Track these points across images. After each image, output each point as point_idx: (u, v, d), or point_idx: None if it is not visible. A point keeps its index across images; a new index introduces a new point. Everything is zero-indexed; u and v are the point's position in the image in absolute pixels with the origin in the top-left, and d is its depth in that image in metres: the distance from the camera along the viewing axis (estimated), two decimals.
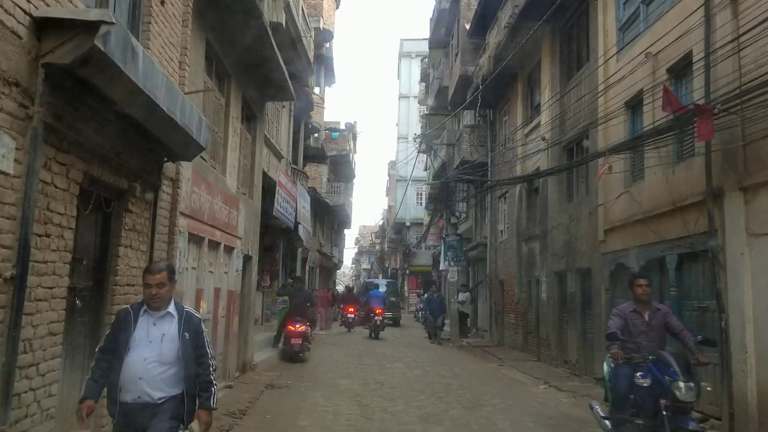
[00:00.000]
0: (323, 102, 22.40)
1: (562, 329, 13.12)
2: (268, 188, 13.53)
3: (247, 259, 10.87)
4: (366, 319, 22.00)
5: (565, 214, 12.96)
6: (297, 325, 13.05)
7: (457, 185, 20.61)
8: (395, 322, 27.14)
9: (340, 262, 44.69)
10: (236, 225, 9.73)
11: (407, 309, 45.48)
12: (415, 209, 46.65)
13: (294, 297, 13.50)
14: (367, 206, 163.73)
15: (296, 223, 16.97)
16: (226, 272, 9.43)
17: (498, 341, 18.65)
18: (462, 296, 20.91)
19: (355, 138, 43.57)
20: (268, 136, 13.01)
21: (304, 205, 16.93)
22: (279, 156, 14.33)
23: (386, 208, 66.50)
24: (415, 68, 47.03)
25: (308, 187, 29.77)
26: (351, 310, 24.26)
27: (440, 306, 20.41)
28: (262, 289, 14.58)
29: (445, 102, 23.76)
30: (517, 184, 15.22)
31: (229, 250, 9.55)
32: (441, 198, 20.63)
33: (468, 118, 22.27)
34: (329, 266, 37.54)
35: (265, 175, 12.67)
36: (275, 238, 15.18)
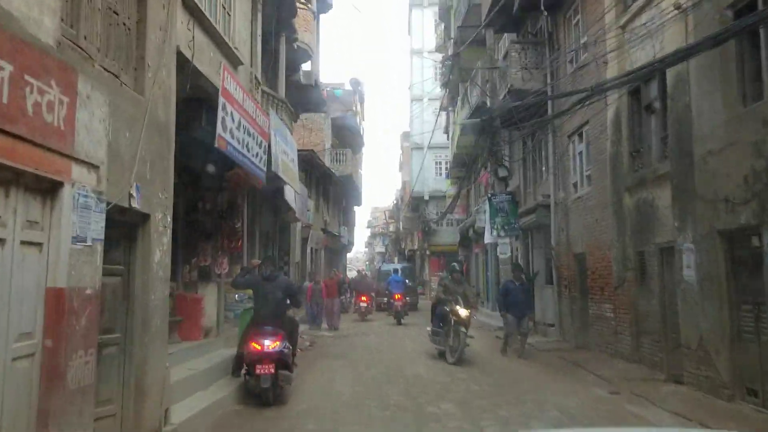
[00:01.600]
0: (314, 20, 16.60)
1: (740, 335, 7.33)
2: (209, 105, 7.79)
3: (139, 219, 5.19)
4: (387, 306, 21.67)
5: (739, 125, 7.13)
6: (267, 341, 7.35)
7: (500, 133, 14.72)
8: (412, 306, 25.28)
9: (351, 243, 39.11)
10: (72, 130, 4.04)
11: (429, 294, 39.82)
12: (435, 181, 40.79)
13: (262, 291, 7.79)
14: (380, 186, 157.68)
15: (275, 179, 11.28)
16: (37, 245, 3.80)
17: (578, 343, 12.90)
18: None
19: (362, 100, 37.71)
20: (202, 10, 7.25)
21: (287, 152, 11.22)
22: (232, 58, 8.55)
23: (400, 186, 60.69)
24: (428, 19, 40.95)
25: (304, 149, 24.07)
26: (364, 299, 22.61)
27: (526, 299, 12.57)
28: (216, 279, 8.97)
29: (477, 21, 17.79)
30: (626, 86, 9.36)
31: (47, 189, 3.90)
32: (482, 143, 14.81)
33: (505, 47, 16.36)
34: (337, 248, 31.94)
35: (196, 73, 6.92)
36: (234, 197, 9.51)
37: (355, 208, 44.61)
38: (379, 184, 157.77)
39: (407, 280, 25.13)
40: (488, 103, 17.42)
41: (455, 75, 19.98)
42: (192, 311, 8.58)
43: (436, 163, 41.16)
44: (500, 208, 14.02)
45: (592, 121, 11.87)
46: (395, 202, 58.32)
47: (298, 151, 24.49)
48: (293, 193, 15.08)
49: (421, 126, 40.81)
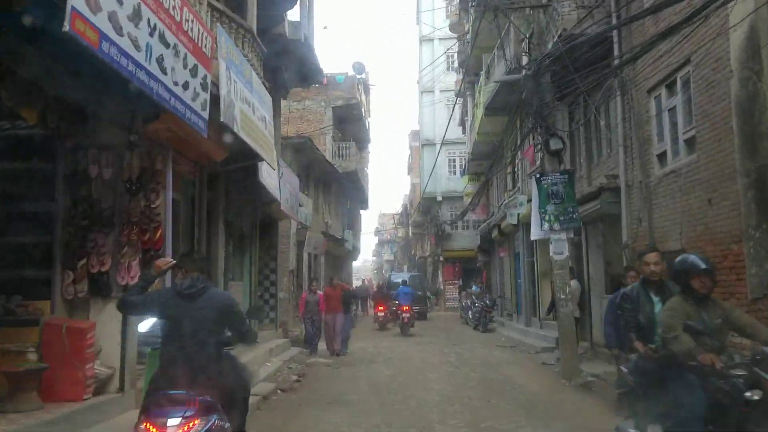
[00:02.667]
0: None
1: None
2: None
3: None
4: (395, 317, 21.59)
5: None
6: (172, 421, 3.66)
7: (550, 90, 10.93)
8: (421, 316, 25.31)
9: (356, 250, 35.40)
10: None
11: (443, 305, 36.08)
12: (449, 180, 37.04)
13: (175, 318, 4.14)
14: (388, 191, 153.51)
15: (244, 152, 7.69)
16: None
17: None
18: (574, 285, 11.47)
19: (367, 91, 34.07)
20: None
21: (251, 103, 7.56)
22: None
23: (409, 190, 57.00)
24: (439, 2, 37.34)
25: (299, 136, 20.47)
26: (381, 308, 22.97)
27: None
28: (119, 295, 5.23)
29: None
30: None
31: None
32: (524, 110, 10.99)
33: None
34: (341, 254, 28.20)
35: None
36: (153, 160, 5.79)
37: (362, 212, 40.93)
38: (387, 189, 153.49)
39: (417, 291, 24.88)
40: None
41: (479, 36, 16.28)
42: (71, 351, 4.93)
43: (450, 160, 37.45)
44: (553, 193, 10.31)
45: (699, 57, 8.14)
46: (404, 205, 54.57)
47: (292, 137, 20.96)
48: (275, 177, 11.42)
49: (432, 120, 37.25)
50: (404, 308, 19.97)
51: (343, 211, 31.26)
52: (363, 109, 31.33)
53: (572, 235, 10.68)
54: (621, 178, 10.67)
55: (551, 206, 10.40)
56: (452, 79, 36.95)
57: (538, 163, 11.32)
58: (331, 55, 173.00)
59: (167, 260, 4.36)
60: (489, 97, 17.53)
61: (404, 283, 24.94)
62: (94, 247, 5.39)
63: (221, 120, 6.26)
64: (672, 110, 9.23)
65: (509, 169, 20.32)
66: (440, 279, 36.78)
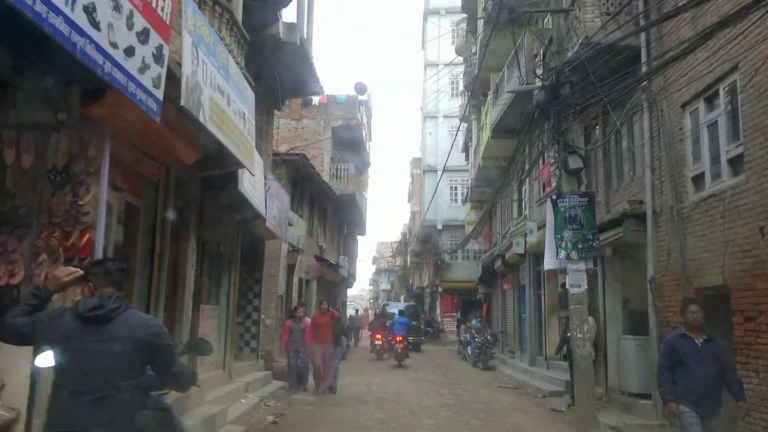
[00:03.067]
0: None
1: None
2: None
3: None
4: (389, 347, 21.51)
5: None
6: None
7: (568, 105, 9.80)
8: (415, 347, 25.10)
9: (352, 277, 34.06)
10: None
11: (441, 338, 34.61)
12: (450, 208, 35.93)
13: (76, 350, 2.93)
14: (387, 219, 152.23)
15: (221, 155, 6.56)
16: None
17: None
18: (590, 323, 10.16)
19: (369, 114, 33.14)
20: None
21: (226, 93, 6.41)
22: None
23: (409, 218, 55.91)
24: (445, 28, 36.72)
25: (294, 153, 19.37)
26: (379, 337, 22.91)
27: (714, 376, 5.46)
28: None
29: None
30: None
31: None
32: (542, 113, 9.80)
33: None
34: (334, 280, 26.85)
35: None
36: (84, 145, 4.63)
37: (359, 238, 39.69)
38: (387, 217, 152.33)
39: (412, 321, 24.98)
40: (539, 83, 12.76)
41: (488, 53, 15.29)
42: None
43: (452, 188, 36.40)
44: (571, 217, 9.11)
45: (750, 62, 7.02)
46: (403, 233, 53.38)
47: (285, 154, 19.85)
48: (261, 189, 10.25)
49: (434, 146, 36.31)
50: (398, 339, 20.24)
51: (339, 235, 30.03)
52: (364, 132, 30.35)
53: (591, 266, 9.44)
54: (647, 204, 9.49)
55: (568, 232, 9.18)
56: (456, 105, 36.11)
57: (554, 183, 10.12)
58: (334, 78, 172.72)
59: (68, 270, 3.13)
60: (497, 117, 16.48)
61: (400, 313, 25.46)
62: (2, 253, 4.17)
63: (182, 104, 5.08)
64: (712, 126, 8.09)
65: (515, 196, 19.17)
66: (438, 310, 35.40)
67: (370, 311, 53.36)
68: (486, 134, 19.01)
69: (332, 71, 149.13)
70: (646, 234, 9.53)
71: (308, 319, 12.99)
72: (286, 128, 25.61)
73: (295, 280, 18.83)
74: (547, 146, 10.36)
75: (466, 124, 28.45)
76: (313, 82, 13.10)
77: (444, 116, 36.48)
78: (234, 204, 9.60)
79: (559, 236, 9.27)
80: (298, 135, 25.66)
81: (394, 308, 28.69)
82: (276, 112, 26.35)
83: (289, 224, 14.68)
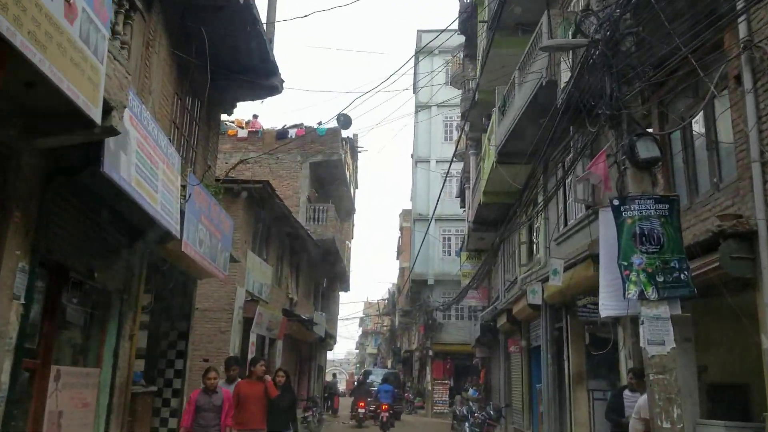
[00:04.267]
0: None
1: None
2: None
3: None
4: (374, 415, 21.61)
5: None
6: None
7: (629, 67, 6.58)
8: (396, 416, 23.45)
9: (331, 338, 30.09)
10: None
11: (430, 407, 30.44)
12: (441, 261, 32.44)
13: None
14: (374, 277, 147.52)
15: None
16: None
17: None
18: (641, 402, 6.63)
19: (354, 155, 30.11)
20: None
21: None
22: None
23: (397, 275, 52.24)
24: (436, 120, 34.39)
25: (255, 180, 16.08)
26: (361, 404, 22.55)
27: None
28: None
29: None
30: None
31: None
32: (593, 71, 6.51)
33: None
34: (307, 340, 22.92)
35: None
36: None
37: (343, 296, 35.93)
38: (374, 275, 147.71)
39: (395, 389, 24.33)
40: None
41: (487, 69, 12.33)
42: None
43: (444, 239, 33.02)
44: (645, 234, 5.75)
45: None
46: (391, 291, 49.57)
47: (243, 181, 16.53)
48: (173, 192, 6.80)
49: (426, 193, 33.13)
50: (384, 407, 20.02)
51: (317, 290, 26.35)
52: (348, 172, 27.18)
53: (678, 311, 5.94)
54: (759, 217, 6.11)
55: (641, 257, 5.76)
56: (449, 150, 33.30)
57: (614, 185, 6.70)
58: (316, 115, 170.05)
59: None
60: (504, 135, 13.33)
61: (385, 381, 25.52)
62: None
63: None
64: None
65: (524, 238, 15.79)
66: (428, 377, 31.33)
67: (356, 376, 49.11)
68: (489, 162, 15.78)
69: (315, 110, 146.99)
70: (757, 262, 6.11)
71: (227, 388, 8.20)
72: (257, 164, 22.40)
73: (253, 338, 15.12)
74: (597, 132, 6.98)
75: (462, 165, 25.38)
76: (268, 66, 9.86)
77: (437, 161, 33.52)
78: (106, 202, 6.14)
79: (625, 263, 5.83)
80: (270, 170, 22.43)
81: (376, 375, 28.87)
82: (245, 143, 23.07)
83: (235, 260, 11.12)
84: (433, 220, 32.43)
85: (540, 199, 13.33)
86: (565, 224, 12.38)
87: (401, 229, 50.09)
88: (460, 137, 22.82)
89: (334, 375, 54.44)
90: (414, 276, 32.54)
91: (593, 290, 9.51)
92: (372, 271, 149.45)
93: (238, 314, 15.02)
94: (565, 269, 10.32)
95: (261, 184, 15.09)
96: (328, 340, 29.08)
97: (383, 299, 48.43)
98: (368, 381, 27.16)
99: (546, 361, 13.15)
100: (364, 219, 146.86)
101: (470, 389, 24.41)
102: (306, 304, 22.99)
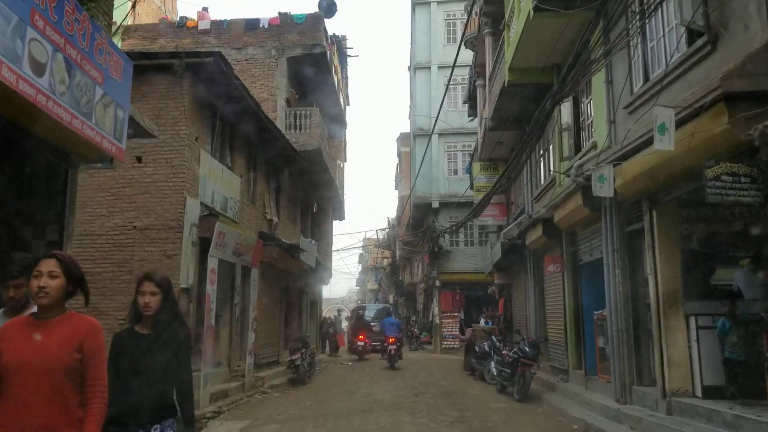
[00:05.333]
0: None
1: None
2: None
3: None
4: (377, 349, 21.81)
5: None
6: None
7: None
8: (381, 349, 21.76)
9: (325, 270, 26.48)
10: None
11: (439, 343, 27.26)
12: (447, 181, 28.62)
13: None
14: (371, 212, 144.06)
15: None
16: None
17: None
18: None
19: (343, 59, 25.76)
20: None
21: None
22: None
23: (396, 206, 48.51)
24: (437, 19, 29.46)
25: (205, 53, 12.05)
26: (361, 337, 22.70)
27: None
28: None
29: None
30: None
31: None
32: None
33: None
34: (294, 271, 19.22)
35: None
36: None
37: (340, 239, 32.24)
38: (372, 210, 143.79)
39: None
40: None
41: None
42: None
43: (450, 155, 29.08)
44: None
45: None
46: (391, 222, 46.01)
47: (185, 54, 12.32)
48: None
49: (427, 104, 28.90)
50: (390, 340, 19.45)
51: (305, 214, 22.60)
52: (336, 78, 22.93)
53: None
54: None
55: None
56: (452, 53, 28.92)
57: None
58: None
59: None
60: None
61: (389, 314, 25.74)
62: None
63: None
64: None
65: (565, 122, 11.86)
66: (435, 310, 28.00)
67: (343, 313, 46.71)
68: (520, 21, 11.70)
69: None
70: None
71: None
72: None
73: (214, 264, 11.42)
74: None
75: (467, 73, 21.18)
76: None
77: (438, 67, 29.20)
78: None
79: None
80: (243, 69, 18.26)
81: (370, 311, 29.08)
82: (207, 36, 18.82)
83: (146, 134, 7.20)
84: (435, 135, 28.51)
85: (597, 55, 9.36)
86: (646, 79, 8.46)
87: (400, 154, 45.99)
88: (471, 10, 18.55)
89: (339, 311, 51.51)
90: (416, 199, 28.81)
91: (726, 153, 5.76)
92: (370, 205, 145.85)
93: (190, 233, 11.30)
94: (685, 118, 6.48)
95: (211, 56, 11.04)
96: (321, 273, 25.54)
97: (383, 229, 44.78)
98: (363, 316, 26.37)
99: (612, 279, 9.48)
100: (358, 148, 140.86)
101: (483, 320, 21.04)
102: (291, 229, 19.28)
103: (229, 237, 12.07)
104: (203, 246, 11.56)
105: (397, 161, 48.12)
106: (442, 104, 19.02)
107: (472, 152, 25.89)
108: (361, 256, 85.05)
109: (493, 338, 15.88)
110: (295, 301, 20.48)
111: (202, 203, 11.79)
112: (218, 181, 12.80)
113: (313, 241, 21.71)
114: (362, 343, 22.43)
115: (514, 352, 12.70)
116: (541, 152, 14.72)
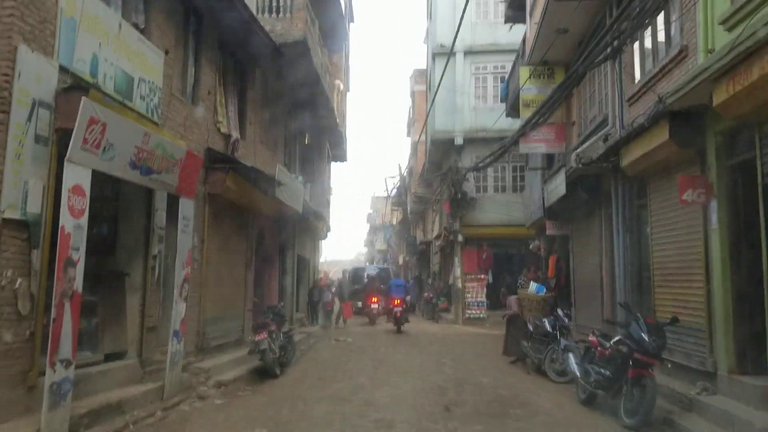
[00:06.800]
0: None
1: None
2: None
3: None
4: (387, 311, 20.13)
5: None
6: None
7: None
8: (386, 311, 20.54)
9: (318, 218, 21.08)
10: None
11: (461, 312, 22.00)
12: (473, 112, 22.93)
13: None
14: (379, 165, 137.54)
15: None
16: None
17: None
18: None
19: None
20: None
21: None
22: None
23: (409, 156, 42.87)
24: None
25: None
26: (375, 300, 21.54)
27: None
28: None
29: None
30: None
31: None
32: None
33: None
34: (261, 209, 13.55)
35: None
36: None
37: (333, 164, 26.78)
38: (381, 163, 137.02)
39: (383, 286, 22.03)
40: None
41: None
42: None
43: (478, 79, 23.34)
44: None
45: None
46: (402, 173, 40.50)
47: None
48: None
49: (451, 16, 22.92)
50: (396, 302, 18.79)
51: (291, 143, 17.16)
52: None
53: None
54: None
55: None
56: None
57: None
58: None
59: None
60: None
61: (396, 275, 26.98)
62: None
63: None
64: None
65: None
66: (457, 272, 22.66)
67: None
68: None
69: None
70: None
71: None
72: None
73: (76, 179, 6.06)
74: None
75: None
76: None
77: None
78: None
79: None
80: None
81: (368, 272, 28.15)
82: None
83: None
84: (460, 54, 22.83)
85: None
86: None
87: (413, 94, 40.21)
88: None
89: (344, 273, 41.77)
90: (435, 134, 23.30)
91: None
92: (378, 156, 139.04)
93: (32, 118, 5.95)
94: None
95: None
96: (315, 223, 20.23)
97: (392, 177, 39.02)
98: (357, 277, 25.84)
99: None
100: (365, 92, 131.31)
101: (531, 284, 15.75)
102: (265, 155, 13.89)
103: (119, 133, 6.67)
104: (62, 142, 6.21)
105: (410, 103, 42.38)
106: (466, 5, 13.30)
107: (506, 75, 20.28)
108: (369, 215, 79.93)
109: (559, 312, 10.61)
110: (273, 256, 15.20)
111: (63, 68, 6.41)
112: (115, 46, 7.39)
113: (300, 177, 16.29)
114: (376, 306, 21.41)
115: (618, 343, 7.40)
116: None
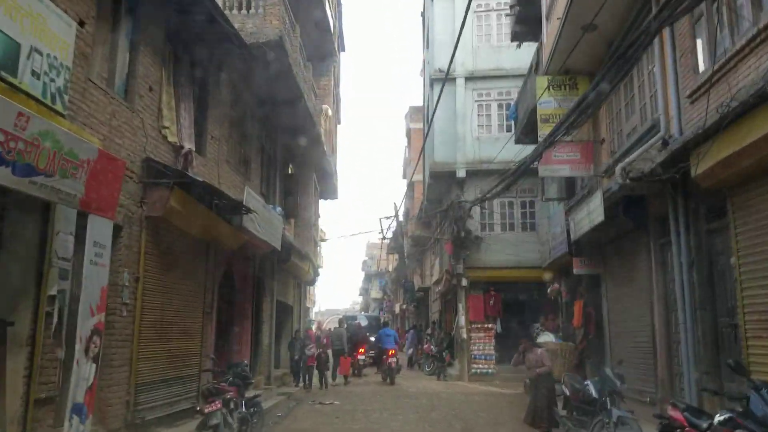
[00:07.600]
0: None
1: None
2: None
3: None
4: (378, 362, 19.53)
5: None
6: None
7: None
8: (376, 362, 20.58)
9: (303, 259, 18.57)
10: None
11: (466, 366, 19.10)
12: (476, 142, 20.71)
13: None
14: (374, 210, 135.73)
15: None
16: None
17: None
18: None
19: None
20: None
21: None
22: None
23: (403, 196, 40.59)
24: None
25: None
26: (362, 351, 20.32)
27: None
28: None
29: None
30: None
31: None
32: None
33: None
34: (226, 243, 11.04)
35: None
36: None
37: (326, 201, 24.43)
38: (375, 209, 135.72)
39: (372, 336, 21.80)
40: None
41: None
42: None
43: (481, 106, 21.22)
44: None
45: None
46: (397, 210, 38.09)
47: None
48: None
49: (450, 38, 21.00)
50: (390, 352, 17.80)
51: (268, 170, 14.84)
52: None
53: None
54: None
55: None
56: None
57: None
58: None
59: None
60: None
61: (385, 325, 23.95)
62: None
63: None
64: None
65: None
66: (461, 320, 20.01)
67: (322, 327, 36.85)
68: None
69: None
70: None
71: None
72: None
73: None
74: None
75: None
76: None
77: None
78: None
79: None
80: None
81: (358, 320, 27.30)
82: None
83: None
84: (461, 79, 20.86)
85: None
86: None
87: (409, 132, 38.26)
88: None
89: (341, 322, 38.37)
90: (435, 166, 21.07)
91: None
92: (372, 200, 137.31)
93: None
94: None
95: None
96: (300, 264, 17.69)
97: (388, 218, 36.45)
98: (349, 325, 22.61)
99: None
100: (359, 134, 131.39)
101: (545, 334, 13.23)
102: (236, 180, 11.53)
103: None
104: None
105: (406, 142, 40.39)
106: (464, 21, 11.16)
107: (511, 102, 18.25)
108: (364, 263, 77.44)
109: (607, 372, 8.08)
110: (245, 301, 12.64)
111: None
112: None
113: (279, 209, 13.87)
114: (362, 357, 20.35)
115: (728, 424, 4.90)
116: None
